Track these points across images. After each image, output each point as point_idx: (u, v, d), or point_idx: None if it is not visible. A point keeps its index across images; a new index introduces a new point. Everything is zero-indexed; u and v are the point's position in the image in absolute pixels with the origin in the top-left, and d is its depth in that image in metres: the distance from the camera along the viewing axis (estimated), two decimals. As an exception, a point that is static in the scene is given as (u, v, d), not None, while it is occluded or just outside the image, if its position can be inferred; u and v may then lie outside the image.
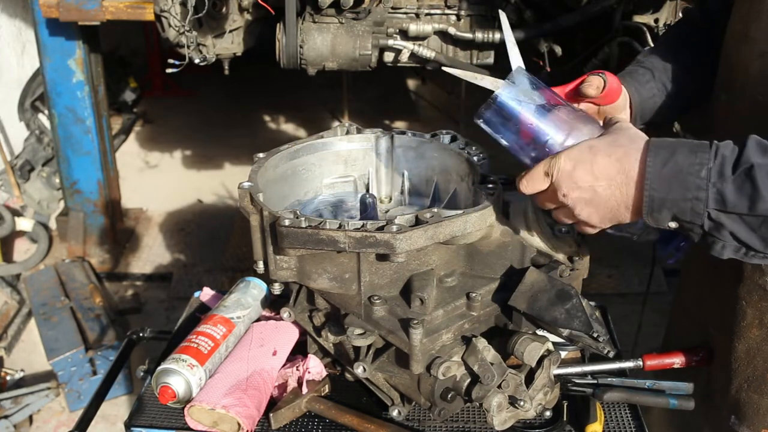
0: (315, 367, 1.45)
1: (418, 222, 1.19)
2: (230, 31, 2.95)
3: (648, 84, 1.37)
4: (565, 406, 1.37)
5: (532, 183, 1.10)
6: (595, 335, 1.17)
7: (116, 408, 3.16)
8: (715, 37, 1.38)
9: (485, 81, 1.21)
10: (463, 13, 2.86)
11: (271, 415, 1.34)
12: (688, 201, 0.96)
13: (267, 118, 6.54)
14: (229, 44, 3.00)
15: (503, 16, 1.26)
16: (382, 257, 1.21)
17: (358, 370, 1.29)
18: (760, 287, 1.34)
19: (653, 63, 1.41)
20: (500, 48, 2.90)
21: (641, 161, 1.00)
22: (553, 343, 1.28)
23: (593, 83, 1.23)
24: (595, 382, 1.42)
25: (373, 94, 6.78)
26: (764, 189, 0.91)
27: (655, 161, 0.97)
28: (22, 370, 3.37)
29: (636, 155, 1.00)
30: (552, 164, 1.06)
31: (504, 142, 1.18)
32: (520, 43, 1.28)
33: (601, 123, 1.17)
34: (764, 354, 1.38)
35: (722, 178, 0.93)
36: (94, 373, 3.19)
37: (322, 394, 1.42)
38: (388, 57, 2.93)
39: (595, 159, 1.03)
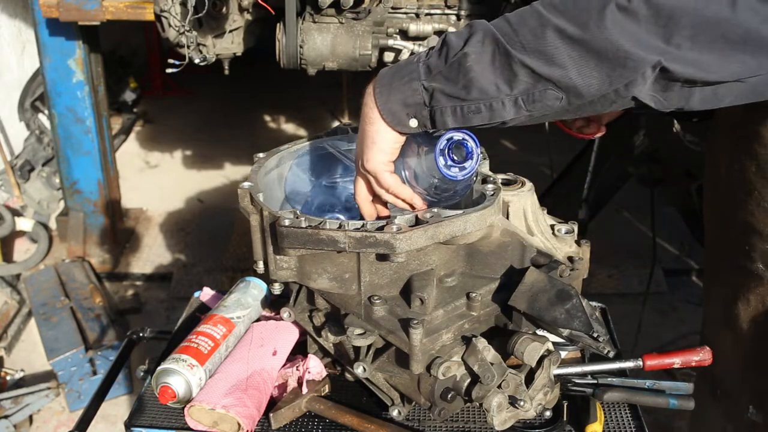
0: (315, 367, 1.45)
1: (418, 222, 1.19)
2: (230, 31, 2.95)
3: None
4: (565, 406, 1.37)
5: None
6: (595, 335, 1.17)
7: (116, 408, 3.16)
8: None
9: None
10: (463, 13, 2.85)
11: (271, 415, 1.34)
12: (405, 82, 1.12)
13: (267, 118, 6.53)
14: (229, 44, 2.99)
15: None
16: (382, 257, 1.21)
17: (358, 370, 1.29)
18: (742, 296, 1.36)
19: None
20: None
21: (373, 89, 1.16)
22: (553, 343, 1.28)
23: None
24: (595, 382, 1.41)
25: (373, 94, 6.76)
26: (452, 42, 1.09)
27: (381, 74, 1.16)
28: (22, 370, 3.36)
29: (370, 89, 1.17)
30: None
31: None
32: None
33: None
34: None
35: (428, 55, 1.12)
36: (94, 373, 3.19)
37: (322, 394, 1.42)
38: (388, 57, 2.92)
39: (362, 129, 1.21)
